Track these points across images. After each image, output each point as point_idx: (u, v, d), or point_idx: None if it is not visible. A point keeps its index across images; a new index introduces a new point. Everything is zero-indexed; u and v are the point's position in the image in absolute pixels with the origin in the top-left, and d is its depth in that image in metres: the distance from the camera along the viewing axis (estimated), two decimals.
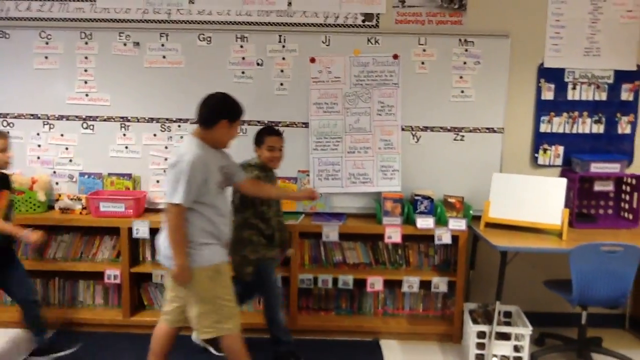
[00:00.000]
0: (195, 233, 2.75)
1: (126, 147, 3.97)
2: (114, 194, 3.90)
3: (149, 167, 3.98)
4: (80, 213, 3.86)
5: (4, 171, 3.29)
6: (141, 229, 3.71)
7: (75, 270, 3.89)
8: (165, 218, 2.75)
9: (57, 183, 4.00)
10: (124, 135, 3.97)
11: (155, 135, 3.96)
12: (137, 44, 3.89)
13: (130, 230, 3.72)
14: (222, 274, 2.83)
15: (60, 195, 3.92)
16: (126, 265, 3.77)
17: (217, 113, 2.79)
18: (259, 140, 3.30)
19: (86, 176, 3.99)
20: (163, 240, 2.81)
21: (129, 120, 3.96)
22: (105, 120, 3.96)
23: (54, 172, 4.00)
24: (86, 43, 3.90)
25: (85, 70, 3.93)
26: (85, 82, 3.93)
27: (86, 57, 3.92)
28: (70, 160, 3.98)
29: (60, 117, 3.97)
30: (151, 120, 3.96)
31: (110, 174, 3.98)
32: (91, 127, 3.96)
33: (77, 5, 3.89)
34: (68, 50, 3.91)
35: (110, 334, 3.78)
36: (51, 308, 3.92)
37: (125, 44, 3.90)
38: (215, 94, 2.87)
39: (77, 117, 3.96)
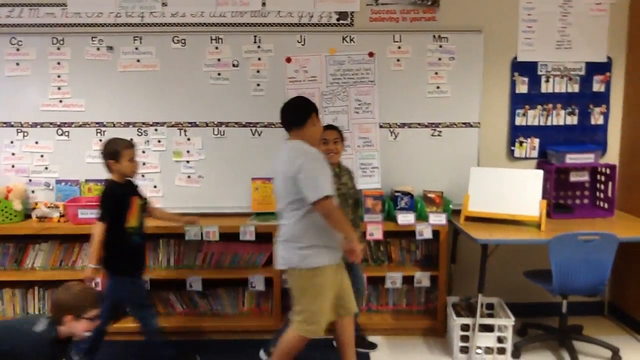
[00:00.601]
0: (306, 234, 2.79)
1: None
2: (92, 200, 3.84)
3: None
4: (58, 221, 3.80)
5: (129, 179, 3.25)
6: None
7: (55, 279, 3.83)
8: (324, 214, 2.72)
9: (33, 191, 3.94)
10: (100, 140, 3.90)
11: (131, 139, 3.91)
12: (110, 48, 3.85)
13: None
14: (319, 276, 2.83)
15: (37, 204, 3.86)
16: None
17: (305, 108, 2.86)
18: None
19: (63, 183, 3.93)
20: (280, 248, 2.93)
21: (104, 126, 3.91)
22: (80, 126, 3.91)
23: (30, 180, 3.94)
24: (58, 48, 3.85)
25: (59, 76, 3.87)
26: (59, 88, 3.88)
27: (59, 63, 3.86)
28: (46, 168, 3.92)
29: (34, 125, 3.90)
30: (127, 124, 3.91)
31: (87, 180, 3.93)
32: (66, 133, 3.91)
33: (47, 10, 3.83)
34: (40, 56, 3.85)
35: None
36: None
37: (98, 49, 3.85)
38: (290, 99, 2.97)
39: (51, 123, 3.90)
